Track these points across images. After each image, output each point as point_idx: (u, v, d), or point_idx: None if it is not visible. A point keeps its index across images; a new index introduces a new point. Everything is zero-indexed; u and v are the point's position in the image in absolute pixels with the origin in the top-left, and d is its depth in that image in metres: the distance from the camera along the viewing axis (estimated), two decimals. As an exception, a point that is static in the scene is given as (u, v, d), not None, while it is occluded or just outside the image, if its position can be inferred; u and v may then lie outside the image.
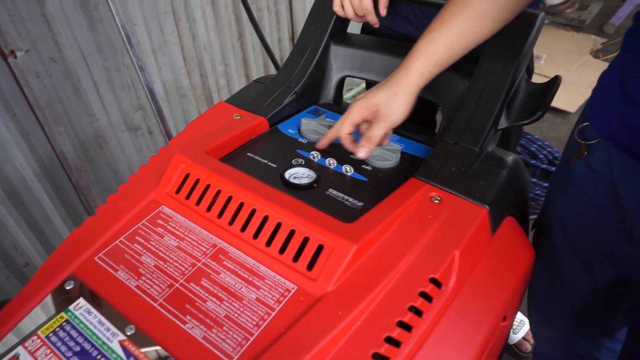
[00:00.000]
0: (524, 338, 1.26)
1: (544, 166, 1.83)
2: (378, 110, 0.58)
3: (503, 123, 0.65)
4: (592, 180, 0.55)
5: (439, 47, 0.56)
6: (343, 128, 0.60)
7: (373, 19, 0.76)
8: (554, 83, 0.63)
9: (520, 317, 1.28)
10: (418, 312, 0.47)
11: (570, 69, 2.50)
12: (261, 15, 1.69)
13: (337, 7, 0.77)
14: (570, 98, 2.23)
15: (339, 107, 0.81)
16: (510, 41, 0.65)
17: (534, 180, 1.78)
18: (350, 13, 0.77)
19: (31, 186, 1.18)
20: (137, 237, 0.54)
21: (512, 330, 1.25)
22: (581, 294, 0.68)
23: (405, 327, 0.45)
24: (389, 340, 0.44)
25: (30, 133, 1.13)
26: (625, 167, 0.50)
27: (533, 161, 1.85)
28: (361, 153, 0.58)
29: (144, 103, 1.38)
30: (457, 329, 0.49)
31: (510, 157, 0.64)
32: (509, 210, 0.61)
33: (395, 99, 0.58)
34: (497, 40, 0.65)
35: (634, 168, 0.48)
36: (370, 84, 0.88)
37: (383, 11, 0.76)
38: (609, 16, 2.99)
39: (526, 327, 1.27)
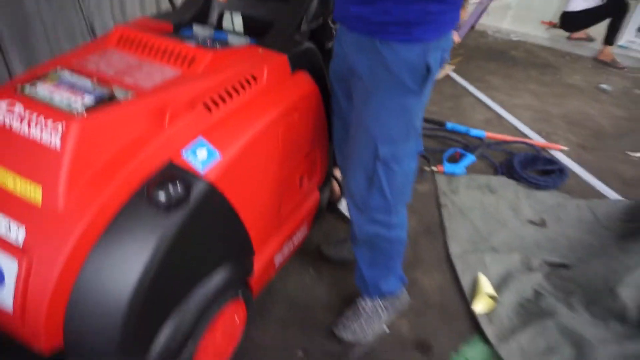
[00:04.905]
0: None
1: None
2: None
3: (304, 27, 1.21)
4: (337, 46, 1.12)
5: None
6: None
7: None
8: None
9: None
10: (237, 91, 0.98)
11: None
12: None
13: None
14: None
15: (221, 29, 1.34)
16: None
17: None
18: None
19: None
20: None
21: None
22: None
23: (222, 99, 0.96)
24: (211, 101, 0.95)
25: None
26: (341, 31, 1.07)
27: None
28: None
29: None
30: (258, 110, 1.01)
31: (308, 44, 1.20)
32: (303, 66, 1.16)
33: None
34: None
35: (342, 30, 1.06)
36: (245, 18, 1.40)
37: None
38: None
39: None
